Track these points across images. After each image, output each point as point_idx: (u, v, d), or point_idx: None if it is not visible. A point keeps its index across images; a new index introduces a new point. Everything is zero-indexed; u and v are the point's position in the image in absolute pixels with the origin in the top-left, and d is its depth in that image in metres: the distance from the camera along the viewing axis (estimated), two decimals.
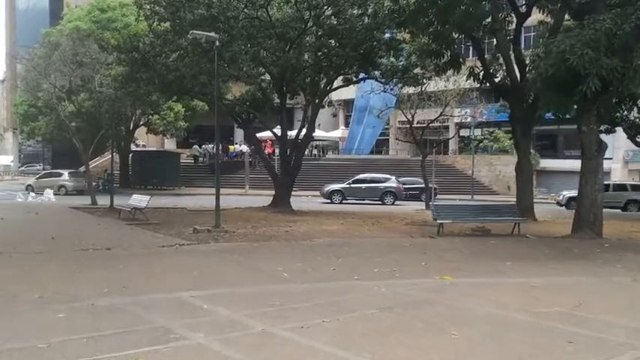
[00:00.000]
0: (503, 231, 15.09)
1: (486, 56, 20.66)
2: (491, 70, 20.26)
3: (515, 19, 20.13)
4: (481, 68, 20.20)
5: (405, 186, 36.79)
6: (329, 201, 30.73)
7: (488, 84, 20.28)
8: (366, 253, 11.32)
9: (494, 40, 21.10)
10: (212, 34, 14.53)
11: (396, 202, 31.06)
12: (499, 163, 44.08)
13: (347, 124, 53.53)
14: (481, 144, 44.37)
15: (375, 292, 7.69)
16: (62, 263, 9.82)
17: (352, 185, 31.30)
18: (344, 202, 30.66)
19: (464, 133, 43.03)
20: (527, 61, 19.21)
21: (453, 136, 41.81)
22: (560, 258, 11.01)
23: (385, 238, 14.09)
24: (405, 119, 28.80)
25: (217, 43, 14.46)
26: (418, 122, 30.25)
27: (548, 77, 12.26)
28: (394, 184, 32.01)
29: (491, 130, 45.34)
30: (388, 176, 33.66)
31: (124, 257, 10.56)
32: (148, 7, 21.83)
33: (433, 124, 31.73)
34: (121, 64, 24.05)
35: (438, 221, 14.13)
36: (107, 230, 15.29)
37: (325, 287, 8.05)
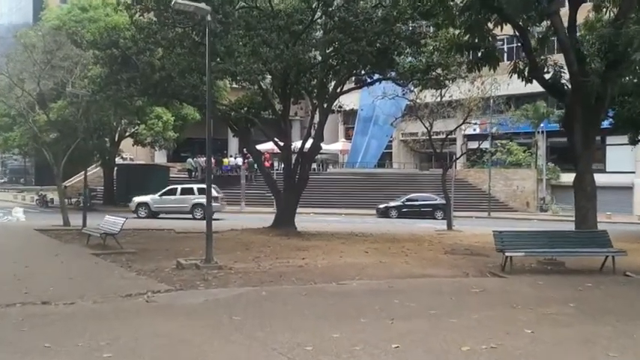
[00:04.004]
0: (580, 265, 11.55)
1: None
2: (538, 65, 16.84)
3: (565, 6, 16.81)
4: (526, 62, 16.82)
5: (416, 202, 33.80)
6: None
7: (536, 81, 16.81)
8: (428, 307, 7.63)
9: (541, 28, 17.74)
10: (202, 5, 11.14)
11: None
12: (516, 178, 40.97)
13: (347, 136, 50.38)
14: (493, 157, 41.18)
15: None
16: None
17: None
18: None
19: (472, 145, 39.59)
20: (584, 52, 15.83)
21: (475, 149, 38.27)
22: None
23: (436, 277, 10.37)
24: (411, 130, 25.29)
25: (209, 17, 11.05)
26: (432, 133, 26.58)
27: None
28: None
29: (503, 142, 42.17)
30: None
31: (62, 322, 6.85)
32: None
33: (448, 136, 28.46)
34: (99, 63, 20.72)
35: (506, 254, 10.57)
36: (63, 265, 11.58)
37: None
